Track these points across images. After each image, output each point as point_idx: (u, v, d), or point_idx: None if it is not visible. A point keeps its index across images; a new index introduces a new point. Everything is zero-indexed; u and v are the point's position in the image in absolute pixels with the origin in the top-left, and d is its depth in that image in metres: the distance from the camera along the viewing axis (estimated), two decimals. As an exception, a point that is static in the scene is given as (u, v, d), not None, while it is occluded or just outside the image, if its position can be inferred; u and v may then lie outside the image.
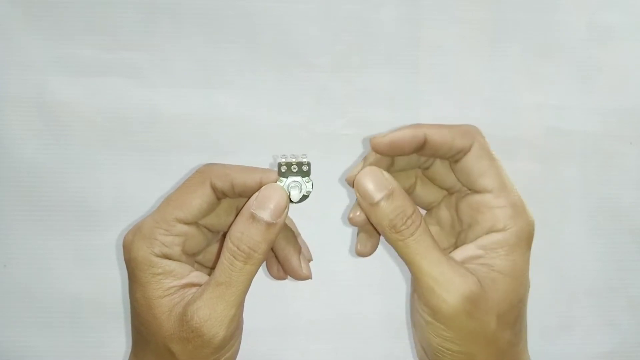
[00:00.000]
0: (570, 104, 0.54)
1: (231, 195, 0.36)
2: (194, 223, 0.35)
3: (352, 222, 0.37)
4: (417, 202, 0.39)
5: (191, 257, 0.36)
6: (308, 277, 0.38)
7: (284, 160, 0.35)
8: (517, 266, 0.33)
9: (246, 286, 0.33)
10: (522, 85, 0.53)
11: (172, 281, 0.34)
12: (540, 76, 0.54)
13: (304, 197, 0.35)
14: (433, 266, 0.32)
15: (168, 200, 0.35)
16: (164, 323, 0.33)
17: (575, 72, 0.54)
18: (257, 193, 0.34)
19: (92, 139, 0.52)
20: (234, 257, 0.32)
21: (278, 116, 0.53)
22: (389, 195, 0.33)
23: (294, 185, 0.35)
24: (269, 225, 0.33)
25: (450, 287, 0.32)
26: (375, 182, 0.33)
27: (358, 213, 0.36)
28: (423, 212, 0.39)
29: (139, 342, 0.35)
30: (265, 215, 0.33)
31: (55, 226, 0.52)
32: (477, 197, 0.35)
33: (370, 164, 0.35)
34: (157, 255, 0.34)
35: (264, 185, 0.34)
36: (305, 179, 0.35)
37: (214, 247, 0.39)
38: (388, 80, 0.53)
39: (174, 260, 0.34)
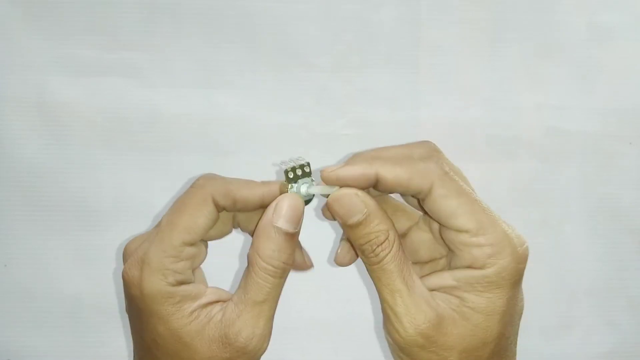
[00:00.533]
0: (570, 104, 0.54)
1: (231, 209, 0.35)
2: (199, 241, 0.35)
3: (338, 263, 0.37)
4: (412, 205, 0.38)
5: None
6: (311, 266, 0.38)
7: (288, 166, 0.34)
8: (493, 305, 0.32)
9: (279, 296, 0.33)
10: (522, 85, 0.53)
11: (192, 304, 0.33)
12: (540, 76, 0.54)
13: (311, 198, 0.35)
14: (393, 296, 0.32)
15: (172, 225, 0.33)
16: (198, 348, 0.32)
17: (575, 72, 0.54)
18: (277, 206, 0.33)
19: (92, 139, 0.52)
20: (269, 275, 0.32)
21: (278, 116, 0.53)
22: (362, 221, 0.32)
23: (303, 187, 0.34)
24: (293, 235, 0.33)
25: (406, 320, 0.32)
26: (348, 205, 0.32)
27: (346, 259, 0.37)
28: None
29: None
30: (291, 227, 0.32)
31: (55, 226, 0.52)
32: (452, 235, 0.33)
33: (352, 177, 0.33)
34: (172, 285, 0.33)
35: (267, 199, 0.34)
36: (308, 179, 0.35)
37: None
38: (388, 80, 0.53)
39: (188, 283, 0.34)
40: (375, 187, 0.33)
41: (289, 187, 0.34)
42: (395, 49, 0.53)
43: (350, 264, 0.37)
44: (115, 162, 0.52)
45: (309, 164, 0.35)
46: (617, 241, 0.55)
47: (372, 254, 0.32)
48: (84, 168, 0.52)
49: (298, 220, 0.33)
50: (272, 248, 0.32)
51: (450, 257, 0.34)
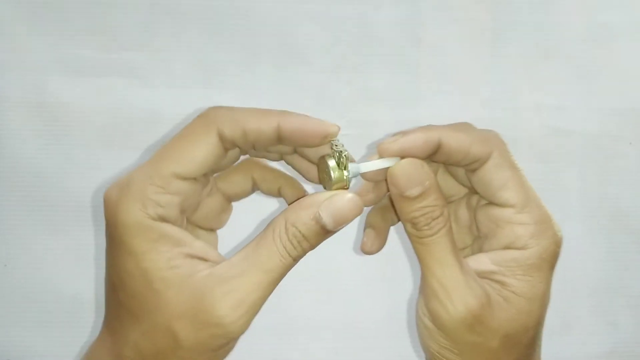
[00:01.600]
0: (570, 104, 0.54)
1: (242, 144, 0.31)
2: (193, 178, 0.30)
3: (366, 252, 0.35)
4: None
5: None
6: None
7: (337, 148, 0.31)
8: (534, 288, 0.31)
9: (281, 280, 0.30)
10: (522, 85, 0.53)
11: (172, 249, 0.29)
12: (540, 76, 0.54)
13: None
14: (444, 270, 0.30)
15: (164, 151, 0.29)
16: (170, 300, 0.28)
17: (575, 73, 0.54)
18: (333, 198, 0.29)
19: (92, 139, 0.52)
20: (288, 253, 0.29)
21: (278, 116, 0.53)
22: (422, 193, 0.30)
23: (361, 165, 0.32)
24: (329, 232, 0.30)
25: (456, 296, 0.30)
26: (412, 176, 0.30)
27: (371, 195, 0.34)
28: None
29: (121, 318, 0.30)
30: (332, 224, 0.29)
31: (55, 226, 0.52)
32: (496, 210, 0.32)
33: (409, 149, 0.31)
34: (152, 218, 0.28)
35: (285, 132, 0.30)
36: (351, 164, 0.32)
37: (207, 202, 0.34)
38: (388, 80, 0.53)
39: (172, 223, 0.29)
40: (433, 158, 0.32)
41: (341, 171, 0.31)
42: (395, 49, 0.53)
43: (377, 251, 0.36)
44: (115, 162, 0.52)
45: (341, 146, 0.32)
46: (617, 241, 0.55)
47: (426, 227, 0.30)
48: (84, 168, 0.52)
49: (343, 224, 0.30)
50: (302, 230, 0.29)
51: (480, 244, 0.33)
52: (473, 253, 0.34)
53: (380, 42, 0.53)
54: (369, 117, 0.53)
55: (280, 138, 0.31)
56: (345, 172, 0.31)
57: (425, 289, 0.31)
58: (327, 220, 0.29)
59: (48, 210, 0.52)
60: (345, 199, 0.30)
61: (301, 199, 0.30)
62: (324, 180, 0.32)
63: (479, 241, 0.34)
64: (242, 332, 0.29)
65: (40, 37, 0.51)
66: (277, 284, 0.30)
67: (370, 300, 0.53)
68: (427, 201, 0.30)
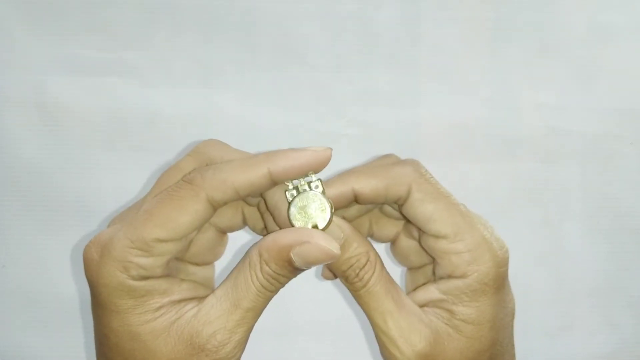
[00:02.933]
0: (570, 104, 0.54)
1: (236, 199, 0.30)
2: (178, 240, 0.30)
3: (326, 278, 0.35)
4: (390, 216, 0.35)
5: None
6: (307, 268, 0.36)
7: (290, 192, 0.31)
8: (482, 312, 0.31)
9: (265, 308, 0.31)
10: (523, 85, 0.53)
11: (160, 299, 0.29)
12: (540, 76, 0.53)
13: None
14: (385, 319, 0.30)
15: (149, 215, 0.29)
16: (158, 349, 0.29)
17: (576, 72, 0.53)
18: (303, 239, 0.29)
19: (91, 139, 0.52)
20: (265, 288, 0.30)
21: (278, 116, 0.53)
22: (341, 247, 0.30)
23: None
24: (301, 270, 0.30)
25: (401, 342, 0.30)
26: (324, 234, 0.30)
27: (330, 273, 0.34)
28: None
29: None
30: (305, 266, 0.29)
31: (54, 226, 0.52)
32: (431, 241, 0.32)
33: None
34: (136, 279, 0.28)
35: (277, 176, 0.30)
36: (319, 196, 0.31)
37: (199, 238, 0.34)
38: (388, 80, 0.53)
39: (157, 277, 0.29)
40: (357, 202, 0.32)
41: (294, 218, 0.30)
42: (396, 48, 0.53)
43: (336, 278, 0.35)
44: (114, 162, 0.52)
45: (309, 183, 0.31)
46: (618, 241, 0.54)
47: (356, 279, 0.31)
48: (84, 168, 0.52)
49: (313, 265, 0.30)
50: (277, 270, 0.29)
51: (434, 265, 0.33)
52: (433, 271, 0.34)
53: (380, 41, 0.53)
54: (369, 116, 0.53)
55: (274, 181, 0.30)
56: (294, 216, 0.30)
57: (376, 339, 0.32)
58: (299, 263, 0.29)
59: (47, 211, 0.52)
60: (318, 249, 0.29)
61: (276, 235, 0.29)
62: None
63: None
64: None
65: (39, 37, 0.51)
66: (260, 315, 0.30)
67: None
68: (348, 252, 0.30)
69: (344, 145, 0.53)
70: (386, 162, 0.33)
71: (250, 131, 0.53)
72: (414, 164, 0.32)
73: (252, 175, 0.29)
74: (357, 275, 0.31)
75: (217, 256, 0.35)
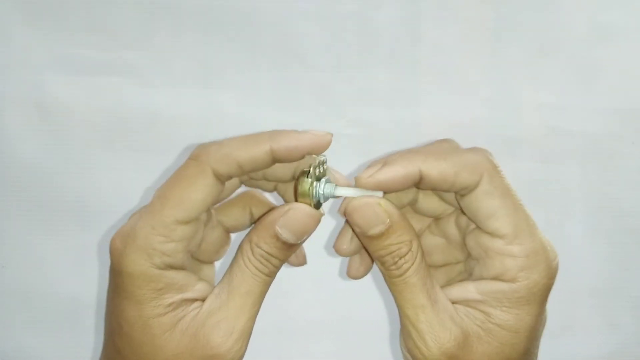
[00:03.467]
0: (571, 104, 0.54)
1: (240, 175, 0.31)
2: (195, 220, 0.31)
3: (339, 253, 0.34)
4: (420, 212, 0.35)
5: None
6: (304, 263, 0.36)
7: (307, 166, 0.30)
8: (521, 322, 0.30)
9: (265, 295, 0.31)
10: (523, 85, 0.53)
11: (174, 295, 0.30)
12: (541, 75, 0.53)
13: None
14: (416, 311, 0.29)
15: (164, 199, 0.29)
16: (166, 343, 0.29)
17: (577, 72, 0.53)
18: (287, 214, 0.29)
19: (91, 139, 0.52)
20: (259, 270, 0.30)
21: (278, 116, 0.53)
22: (385, 232, 0.29)
23: (327, 187, 0.31)
24: (293, 245, 0.30)
25: (429, 337, 0.29)
26: (370, 217, 0.29)
27: (345, 246, 0.33)
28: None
29: None
30: (292, 238, 0.29)
31: (53, 226, 0.52)
32: (485, 239, 0.30)
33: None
34: (159, 267, 0.29)
35: (279, 154, 0.30)
36: (324, 179, 0.31)
37: (207, 235, 0.34)
38: (388, 80, 0.53)
39: (178, 269, 0.30)
40: (418, 186, 0.31)
41: (309, 185, 0.30)
42: (396, 48, 0.53)
43: (364, 275, 0.35)
44: (114, 162, 0.52)
45: (325, 162, 0.31)
46: (619, 241, 0.54)
47: (393, 267, 0.30)
48: (83, 168, 0.52)
49: (304, 235, 0.30)
50: (265, 248, 0.30)
51: (472, 264, 0.32)
52: (466, 270, 0.34)
53: (380, 41, 0.53)
54: (369, 116, 0.53)
55: (275, 159, 0.30)
56: (312, 187, 0.30)
57: (401, 327, 0.31)
58: (286, 236, 0.29)
59: (47, 211, 0.52)
60: (299, 212, 0.29)
61: (262, 217, 0.30)
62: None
63: (470, 263, 0.33)
64: (240, 357, 0.30)
65: (39, 37, 0.51)
66: (261, 302, 0.31)
67: (369, 301, 0.53)
68: (391, 239, 0.29)
69: (344, 145, 0.53)
70: (450, 146, 0.32)
71: (250, 131, 0.52)
72: (486, 152, 0.30)
73: (255, 151, 0.30)
74: (396, 263, 0.29)
75: (220, 256, 0.36)
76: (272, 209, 0.34)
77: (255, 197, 0.35)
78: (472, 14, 0.53)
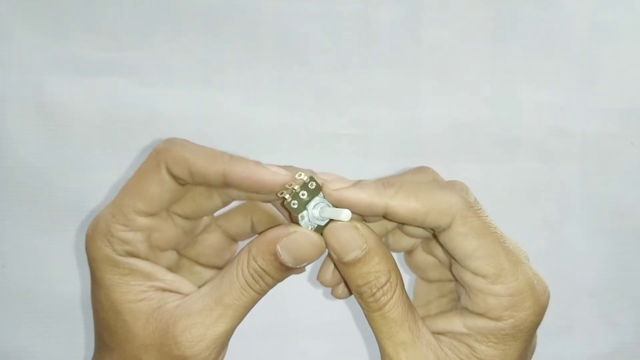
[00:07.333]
0: (571, 104, 0.54)
1: (190, 182, 0.30)
2: (157, 214, 0.30)
3: (323, 284, 0.33)
4: (408, 234, 0.33)
5: (164, 252, 0.32)
6: (303, 271, 0.34)
7: (289, 192, 0.28)
8: (507, 356, 0.28)
9: (249, 311, 0.29)
10: (523, 85, 0.53)
11: (143, 283, 0.29)
12: (541, 75, 0.53)
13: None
14: (396, 350, 0.28)
15: (124, 189, 0.30)
16: (138, 331, 0.29)
17: (577, 72, 0.53)
18: (291, 230, 0.28)
19: (91, 139, 0.52)
20: (250, 287, 0.29)
21: (278, 116, 0.53)
22: (361, 258, 0.28)
23: (315, 210, 0.29)
24: (291, 269, 0.29)
25: None
26: (347, 238, 0.28)
27: (328, 276, 0.32)
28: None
29: (99, 348, 0.31)
30: (291, 262, 0.28)
31: (53, 226, 0.52)
32: (467, 275, 0.29)
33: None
34: (119, 254, 0.29)
35: (231, 180, 0.29)
36: (318, 197, 0.29)
37: (204, 238, 0.34)
38: (388, 80, 0.53)
39: (141, 258, 0.30)
40: (384, 218, 0.29)
41: (299, 218, 0.28)
42: (396, 48, 0.53)
43: (350, 294, 0.33)
44: (114, 162, 0.52)
45: (311, 179, 0.28)
46: (619, 241, 0.54)
47: (371, 298, 0.28)
48: (83, 168, 0.52)
49: (303, 262, 0.28)
50: (261, 265, 0.28)
51: (460, 292, 0.31)
52: (457, 291, 0.32)
53: (380, 40, 0.53)
54: (369, 116, 0.53)
55: (226, 183, 0.29)
56: (302, 216, 0.28)
57: None
58: (286, 258, 0.28)
59: (46, 211, 0.52)
60: (303, 237, 0.28)
61: (267, 231, 0.29)
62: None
63: (459, 289, 0.32)
64: None
65: (38, 37, 0.51)
66: (242, 318, 0.29)
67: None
68: (368, 266, 0.28)
69: (344, 145, 0.53)
70: (425, 179, 0.30)
71: (250, 131, 0.53)
72: (462, 191, 0.28)
73: (208, 167, 0.29)
74: (374, 295, 0.28)
75: (223, 260, 0.35)
76: (275, 220, 0.34)
77: (258, 208, 0.34)
78: (472, 14, 0.53)
